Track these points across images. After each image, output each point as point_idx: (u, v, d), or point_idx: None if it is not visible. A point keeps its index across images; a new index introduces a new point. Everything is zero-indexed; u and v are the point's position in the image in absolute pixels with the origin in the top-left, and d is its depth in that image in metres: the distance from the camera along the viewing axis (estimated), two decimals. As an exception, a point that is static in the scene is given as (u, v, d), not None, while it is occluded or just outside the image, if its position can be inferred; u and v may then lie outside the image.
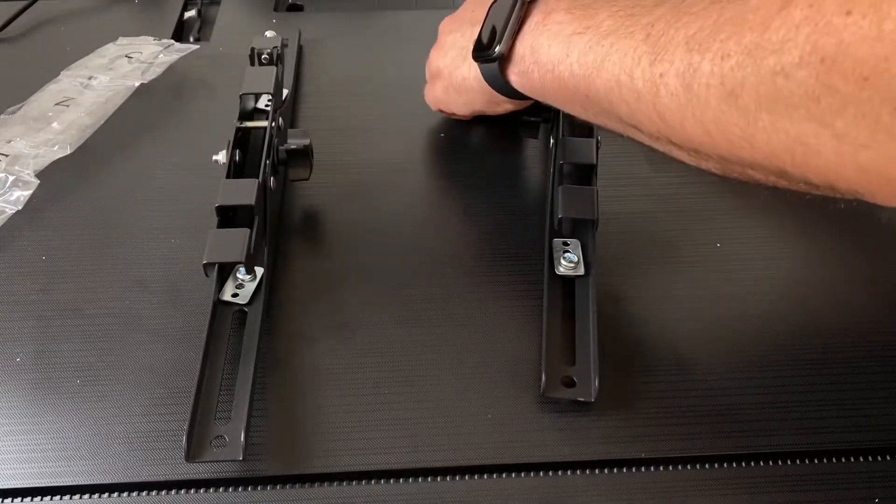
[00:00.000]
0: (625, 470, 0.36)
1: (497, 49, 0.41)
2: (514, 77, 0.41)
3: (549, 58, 0.38)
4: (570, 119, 0.46)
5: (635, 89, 0.32)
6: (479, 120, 0.53)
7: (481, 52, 0.42)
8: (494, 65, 0.41)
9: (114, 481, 0.35)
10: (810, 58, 0.25)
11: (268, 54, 0.52)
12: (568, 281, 0.42)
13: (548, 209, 0.46)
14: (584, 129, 0.47)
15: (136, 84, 0.57)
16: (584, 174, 0.45)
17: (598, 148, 0.46)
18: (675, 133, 0.32)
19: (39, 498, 0.35)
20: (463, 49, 0.46)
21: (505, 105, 0.47)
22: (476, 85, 0.45)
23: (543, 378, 0.37)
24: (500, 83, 0.43)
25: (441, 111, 0.53)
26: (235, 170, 0.45)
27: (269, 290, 0.42)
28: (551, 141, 0.48)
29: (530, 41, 0.39)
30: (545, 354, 0.38)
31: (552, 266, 0.43)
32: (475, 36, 0.44)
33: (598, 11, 0.36)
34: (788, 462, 0.36)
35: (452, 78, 0.48)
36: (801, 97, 0.26)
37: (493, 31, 0.41)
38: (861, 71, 0.24)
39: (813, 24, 0.25)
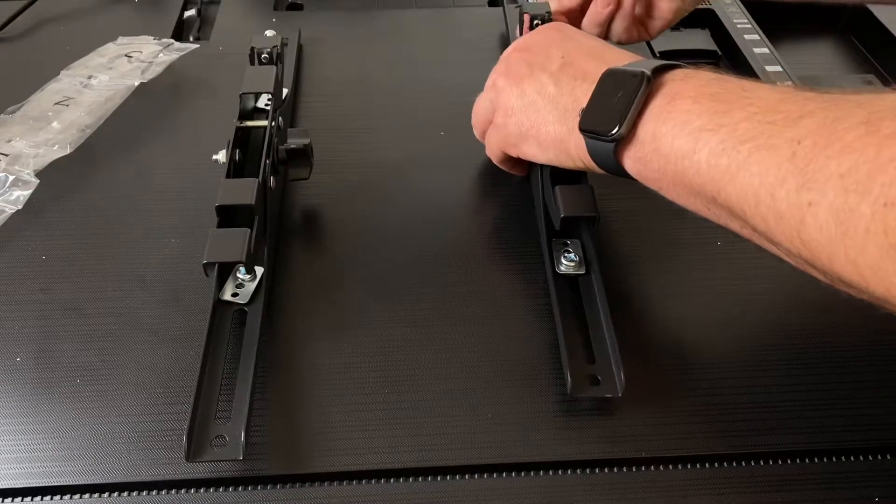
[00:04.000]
0: (625, 470, 0.36)
1: (616, 131, 0.36)
2: (630, 162, 0.37)
3: (673, 150, 0.34)
4: None
5: (776, 210, 0.29)
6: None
7: (594, 127, 0.37)
8: (609, 144, 0.37)
9: (114, 481, 0.35)
10: None
11: (268, 53, 0.52)
12: (570, 280, 0.42)
13: (539, 209, 0.46)
14: None
15: (136, 83, 0.57)
16: (576, 173, 0.45)
17: None
18: (820, 263, 0.29)
19: (39, 498, 0.35)
20: (555, 102, 0.41)
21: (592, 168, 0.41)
22: (574, 151, 0.40)
23: (569, 379, 0.37)
24: (611, 164, 0.38)
25: (503, 154, 0.46)
26: (235, 169, 0.45)
27: (269, 290, 0.42)
28: None
29: (652, 127, 0.35)
30: (566, 355, 0.38)
31: (553, 265, 0.43)
32: (574, 91, 0.40)
33: (731, 108, 0.33)
34: (788, 462, 0.36)
35: (539, 133, 0.42)
36: None
37: (608, 104, 0.37)
38: None
39: None
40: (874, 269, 0.27)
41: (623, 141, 0.36)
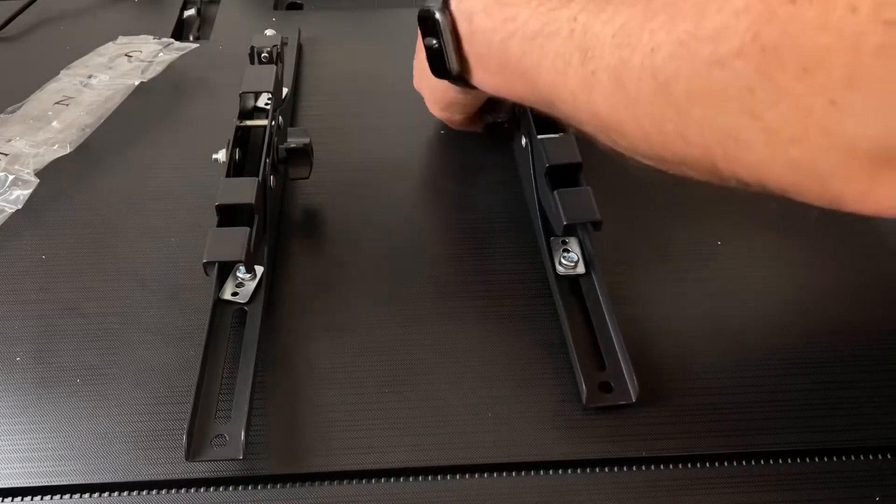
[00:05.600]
0: (625, 469, 0.36)
1: (450, 67, 0.40)
2: (478, 84, 0.41)
3: (496, 65, 0.37)
4: (535, 114, 0.46)
5: (570, 89, 0.32)
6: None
7: (440, 73, 0.42)
8: (460, 80, 0.41)
9: (114, 480, 0.35)
10: (751, 47, 0.24)
11: (267, 53, 0.52)
12: (571, 280, 0.42)
13: (535, 210, 0.46)
14: (553, 124, 0.45)
15: (136, 83, 0.57)
16: (571, 173, 0.44)
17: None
18: (613, 130, 0.31)
19: (39, 497, 0.35)
20: (424, 69, 0.45)
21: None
22: (458, 94, 0.45)
23: (584, 389, 0.37)
24: (477, 92, 0.43)
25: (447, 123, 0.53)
26: (235, 168, 0.45)
27: (268, 289, 0.42)
28: (524, 140, 0.48)
29: (473, 51, 0.39)
30: (578, 364, 0.38)
31: (553, 267, 0.42)
32: (420, 53, 0.44)
33: (518, 10, 0.35)
34: (788, 461, 0.36)
35: (438, 96, 0.48)
36: (735, 89, 0.25)
37: (433, 51, 0.41)
38: (802, 61, 0.23)
39: (755, 13, 0.24)
40: (650, 118, 0.28)
41: (463, 70, 0.40)
